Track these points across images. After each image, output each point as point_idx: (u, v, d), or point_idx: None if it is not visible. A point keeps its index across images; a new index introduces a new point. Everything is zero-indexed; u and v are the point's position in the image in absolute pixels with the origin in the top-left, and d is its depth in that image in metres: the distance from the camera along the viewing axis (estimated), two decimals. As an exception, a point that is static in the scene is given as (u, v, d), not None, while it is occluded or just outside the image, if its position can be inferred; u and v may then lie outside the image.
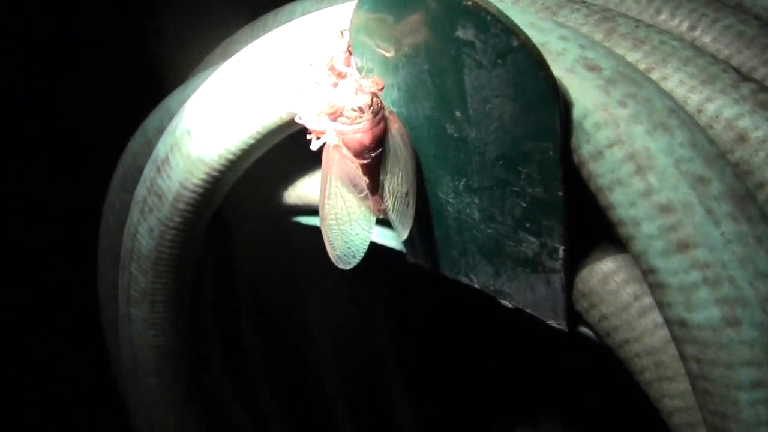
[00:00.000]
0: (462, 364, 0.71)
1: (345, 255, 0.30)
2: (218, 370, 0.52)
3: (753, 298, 0.22)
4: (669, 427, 0.28)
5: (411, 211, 0.29)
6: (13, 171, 0.55)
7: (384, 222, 0.32)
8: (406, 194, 0.29)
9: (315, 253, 0.54)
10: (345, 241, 0.30)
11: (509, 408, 0.71)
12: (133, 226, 0.38)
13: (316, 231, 0.38)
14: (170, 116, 0.38)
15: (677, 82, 0.27)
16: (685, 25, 0.30)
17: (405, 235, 0.30)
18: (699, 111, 0.27)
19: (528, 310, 0.31)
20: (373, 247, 0.31)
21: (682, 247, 0.23)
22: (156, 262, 0.38)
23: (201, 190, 0.35)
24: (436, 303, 0.63)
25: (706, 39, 0.30)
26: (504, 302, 0.32)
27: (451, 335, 0.69)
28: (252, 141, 0.32)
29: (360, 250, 0.30)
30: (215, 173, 0.34)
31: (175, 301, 0.41)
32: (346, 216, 0.30)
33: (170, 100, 0.40)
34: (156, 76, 0.44)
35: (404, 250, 0.34)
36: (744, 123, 0.26)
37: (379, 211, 0.29)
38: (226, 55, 0.40)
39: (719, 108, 0.26)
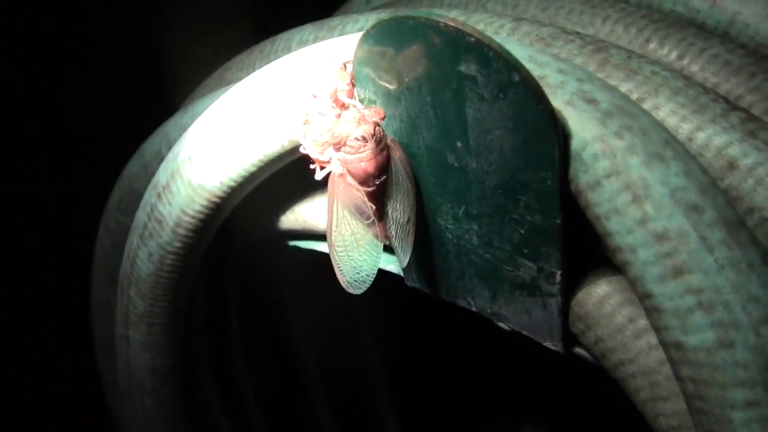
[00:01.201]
0: (452, 379, 0.72)
1: (355, 281, 0.30)
2: (210, 387, 0.53)
3: (746, 322, 0.23)
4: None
5: (411, 238, 0.30)
6: (12, 171, 0.55)
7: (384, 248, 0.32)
8: (408, 221, 0.30)
9: (306, 277, 0.55)
10: (354, 267, 0.30)
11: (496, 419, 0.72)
12: (132, 251, 0.38)
13: (310, 255, 0.39)
14: (168, 141, 0.39)
15: (669, 111, 0.28)
16: (673, 55, 0.31)
17: (406, 261, 0.30)
18: (690, 139, 0.28)
19: (524, 333, 0.32)
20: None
21: (677, 273, 0.24)
22: (155, 286, 0.39)
23: (202, 216, 0.35)
24: (429, 321, 0.64)
25: (695, 68, 0.31)
26: (501, 324, 0.32)
27: (442, 350, 0.70)
28: (254, 169, 0.33)
29: (370, 275, 0.30)
30: (216, 200, 0.35)
31: (172, 324, 0.42)
32: (354, 243, 0.30)
33: (168, 125, 0.40)
34: (154, 92, 0.45)
35: (402, 275, 0.35)
36: (733, 151, 0.27)
37: (385, 237, 0.30)
38: (223, 81, 0.41)
39: (709, 137, 0.27)
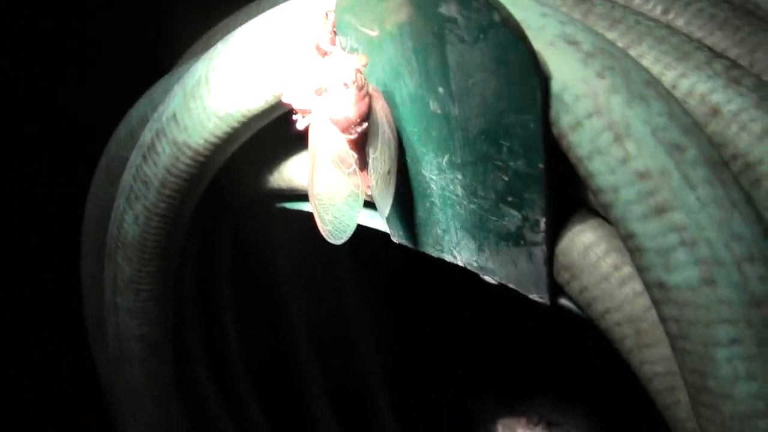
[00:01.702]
0: (444, 355, 0.72)
1: (335, 230, 0.30)
2: (200, 360, 0.52)
3: (728, 259, 0.23)
4: (649, 392, 0.29)
5: (392, 189, 0.30)
6: (12, 171, 0.55)
7: (368, 204, 0.32)
8: (388, 172, 0.30)
9: (297, 242, 0.55)
10: (335, 216, 0.30)
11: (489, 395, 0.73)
12: (119, 215, 0.38)
13: (299, 217, 0.39)
14: (154, 106, 0.39)
15: (652, 59, 0.28)
16: (659, 9, 0.31)
17: (386, 212, 0.30)
18: (674, 87, 0.28)
19: (511, 285, 0.32)
20: (360, 230, 0.32)
21: (660, 211, 0.24)
22: (141, 250, 0.39)
23: (186, 176, 0.35)
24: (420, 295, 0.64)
25: (680, 22, 0.31)
26: (487, 278, 0.32)
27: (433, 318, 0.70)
28: (237, 125, 0.33)
29: (350, 225, 0.30)
30: (201, 158, 0.34)
31: (160, 290, 0.42)
32: (335, 192, 0.30)
33: (154, 90, 0.40)
34: (140, 70, 0.45)
35: (389, 231, 0.35)
36: (717, 97, 0.27)
37: (367, 187, 0.30)
38: (209, 46, 0.40)
39: (693, 84, 0.27)
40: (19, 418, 0.60)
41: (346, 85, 0.27)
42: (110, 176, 0.43)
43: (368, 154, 0.29)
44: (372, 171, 0.30)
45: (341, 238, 0.30)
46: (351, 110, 0.28)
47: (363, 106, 0.28)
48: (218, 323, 0.53)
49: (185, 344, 0.50)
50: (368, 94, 0.28)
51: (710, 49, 0.29)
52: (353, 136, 0.29)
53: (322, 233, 0.30)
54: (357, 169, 0.29)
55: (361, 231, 0.33)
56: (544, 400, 0.71)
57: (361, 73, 0.28)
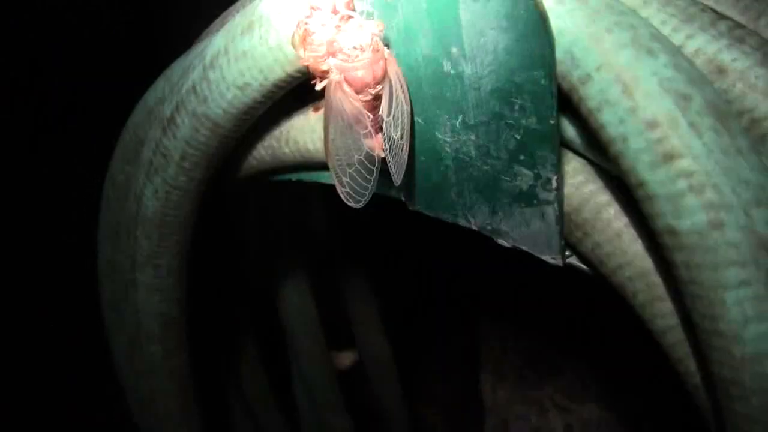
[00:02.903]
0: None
1: (354, 192, 0.31)
2: (217, 342, 0.53)
3: (735, 203, 0.24)
4: (662, 346, 0.30)
5: (405, 155, 0.31)
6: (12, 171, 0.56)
7: (383, 173, 0.33)
8: (401, 137, 0.30)
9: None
10: (353, 177, 0.31)
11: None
12: (138, 189, 0.39)
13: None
14: (171, 85, 0.39)
15: (659, 22, 0.29)
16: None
17: (399, 180, 0.31)
18: (680, 47, 0.28)
19: (524, 248, 0.32)
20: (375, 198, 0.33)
21: (668, 158, 0.24)
22: (160, 225, 0.40)
23: (205, 148, 0.36)
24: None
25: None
26: (501, 242, 0.33)
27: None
28: (257, 95, 0.34)
29: (368, 188, 0.31)
30: (220, 130, 0.35)
31: (178, 265, 0.42)
32: (352, 153, 0.31)
33: (171, 69, 0.41)
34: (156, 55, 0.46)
35: (403, 199, 0.35)
36: (723, 56, 0.28)
37: (381, 149, 0.31)
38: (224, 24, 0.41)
39: (699, 44, 0.28)
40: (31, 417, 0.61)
41: (362, 48, 0.28)
42: (127, 157, 0.44)
43: (382, 118, 0.30)
44: (385, 134, 0.30)
45: (359, 201, 0.31)
46: (366, 73, 0.29)
47: (379, 70, 0.29)
48: (233, 303, 0.54)
49: (203, 324, 0.50)
50: (383, 58, 0.29)
51: (714, 11, 0.29)
52: (368, 99, 0.29)
53: (341, 195, 0.31)
54: (372, 131, 0.30)
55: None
56: (556, 386, 0.72)
57: (378, 37, 0.29)
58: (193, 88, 0.35)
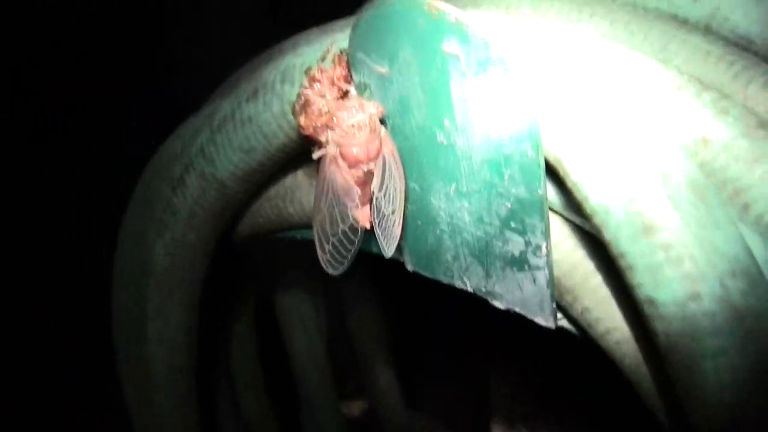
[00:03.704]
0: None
1: (333, 260, 0.33)
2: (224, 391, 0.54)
3: (712, 274, 0.25)
4: (648, 408, 0.30)
5: (396, 229, 0.32)
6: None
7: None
8: (393, 212, 0.32)
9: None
10: (335, 246, 0.32)
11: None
12: (149, 243, 0.41)
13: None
14: (182, 145, 0.41)
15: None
16: (656, 45, 0.33)
17: (390, 252, 0.32)
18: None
19: (517, 310, 0.33)
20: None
21: (647, 230, 0.25)
22: (170, 279, 0.41)
23: (213, 207, 0.37)
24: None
25: (677, 60, 0.33)
26: (495, 303, 0.34)
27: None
28: (262, 158, 0.35)
29: (348, 257, 0.33)
30: (227, 190, 0.37)
31: (188, 318, 0.44)
32: (337, 223, 0.32)
33: (183, 128, 0.42)
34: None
35: (402, 260, 0.37)
36: (707, 128, 0.29)
37: (367, 221, 0.32)
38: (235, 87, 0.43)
39: (685, 114, 0.29)
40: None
41: (360, 127, 0.30)
42: (140, 211, 0.45)
43: (373, 193, 0.31)
44: (375, 209, 0.32)
45: (337, 269, 0.33)
46: (360, 151, 0.30)
47: (373, 149, 0.30)
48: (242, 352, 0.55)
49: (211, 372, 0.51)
50: (379, 138, 0.30)
51: (699, 81, 0.30)
52: (360, 174, 0.31)
53: (321, 261, 0.33)
54: (360, 204, 0.32)
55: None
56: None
57: (375, 118, 0.30)
58: (202, 150, 0.36)
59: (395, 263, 0.37)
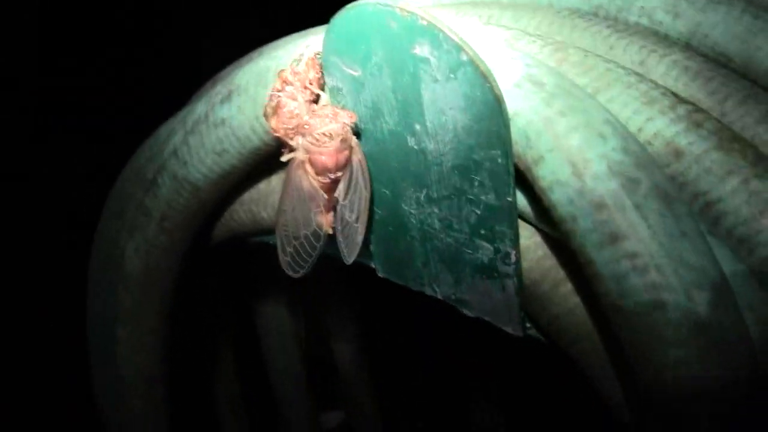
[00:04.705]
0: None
1: (293, 263, 0.33)
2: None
3: (677, 285, 0.25)
4: (616, 418, 0.30)
5: (359, 237, 0.32)
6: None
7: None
8: (356, 220, 0.32)
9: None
10: (295, 249, 0.32)
11: None
12: (121, 245, 0.40)
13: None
14: (157, 147, 0.41)
15: (621, 104, 0.30)
16: (636, 60, 0.33)
17: (351, 259, 0.33)
18: (640, 130, 0.30)
19: (486, 318, 0.33)
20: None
21: (614, 239, 0.25)
22: (141, 282, 0.41)
23: (185, 210, 0.37)
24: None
25: (655, 74, 0.33)
26: (465, 311, 0.34)
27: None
28: (235, 161, 0.35)
29: (308, 261, 0.33)
30: (200, 193, 0.36)
31: (160, 323, 0.43)
32: (301, 227, 0.32)
33: (159, 131, 0.42)
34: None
35: (373, 266, 0.36)
36: (680, 140, 0.29)
37: (329, 227, 0.32)
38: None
39: (658, 126, 0.29)
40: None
41: (330, 136, 0.30)
42: (115, 212, 0.45)
43: (338, 201, 0.32)
44: (340, 217, 0.32)
45: (297, 272, 0.33)
46: (329, 159, 0.30)
47: (342, 158, 0.30)
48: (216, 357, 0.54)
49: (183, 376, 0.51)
50: (350, 147, 0.30)
51: (674, 94, 0.30)
52: (326, 181, 0.31)
53: (282, 263, 0.33)
54: (324, 211, 0.32)
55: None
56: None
57: (347, 127, 0.30)
58: (175, 151, 0.36)
59: (369, 272, 0.37)
